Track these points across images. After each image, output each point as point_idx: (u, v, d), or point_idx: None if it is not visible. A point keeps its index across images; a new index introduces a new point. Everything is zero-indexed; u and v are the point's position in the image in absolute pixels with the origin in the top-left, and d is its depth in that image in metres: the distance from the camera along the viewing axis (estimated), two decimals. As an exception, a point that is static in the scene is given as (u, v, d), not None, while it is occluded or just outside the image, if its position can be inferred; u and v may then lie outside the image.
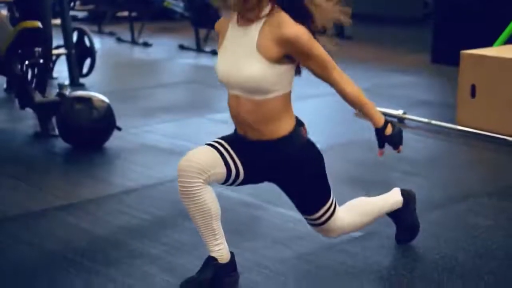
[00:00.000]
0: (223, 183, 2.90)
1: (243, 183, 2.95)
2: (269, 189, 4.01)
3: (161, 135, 5.21)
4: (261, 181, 3.01)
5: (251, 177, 2.93)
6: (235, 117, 2.90)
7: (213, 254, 2.93)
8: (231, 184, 2.92)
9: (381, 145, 2.97)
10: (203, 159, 2.79)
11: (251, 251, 3.31)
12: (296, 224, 3.61)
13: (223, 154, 2.85)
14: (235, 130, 2.97)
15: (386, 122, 2.94)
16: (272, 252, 3.32)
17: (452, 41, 7.22)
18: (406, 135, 5.20)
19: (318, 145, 4.90)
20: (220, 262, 2.92)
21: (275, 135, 2.82)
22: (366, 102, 2.88)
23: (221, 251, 2.93)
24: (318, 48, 2.75)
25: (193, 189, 2.78)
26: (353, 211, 3.14)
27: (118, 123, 5.00)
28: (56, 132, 5.04)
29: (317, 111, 5.91)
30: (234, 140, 2.90)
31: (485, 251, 3.31)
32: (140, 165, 4.56)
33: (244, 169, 2.88)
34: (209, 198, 2.83)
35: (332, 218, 3.00)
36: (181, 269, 3.12)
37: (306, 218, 3.04)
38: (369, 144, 5.08)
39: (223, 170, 2.83)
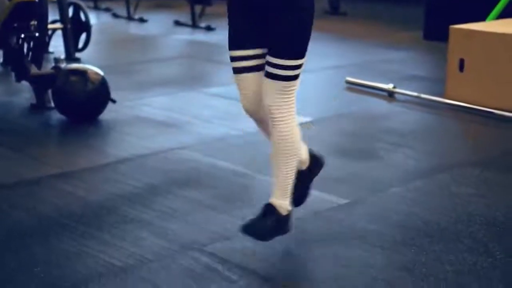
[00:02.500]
0: None
1: None
2: (260, 160, 4.12)
3: (155, 107, 5.31)
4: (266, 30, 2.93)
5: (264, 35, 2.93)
6: None
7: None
8: None
9: None
10: (257, 97, 2.96)
11: (241, 218, 3.40)
12: (284, 192, 3.72)
13: (253, 68, 2.94)
14: None
15: None
16: (261, 218, 3.42)
17: (444, 18, 7.28)
18: (396, 108, 5.38)
19: (309, 118, 5.05)
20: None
21: None
22: None
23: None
24: None
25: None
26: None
27: (114, 96, 5.09)
28: (52, 104, 5.13)
29: (308, 85, 5.99)
30: (240, 27, 2.93)
31: (466, 218, 3.42)
32: (135, 136, 4.66)
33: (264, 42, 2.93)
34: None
35: (295, 83, 2.90)
36: (172, 234, 3.23)
37: (274, 66, 2.87)
38: (358, 116, 5.21)
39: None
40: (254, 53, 2.94)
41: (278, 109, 2.89)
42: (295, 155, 2.98)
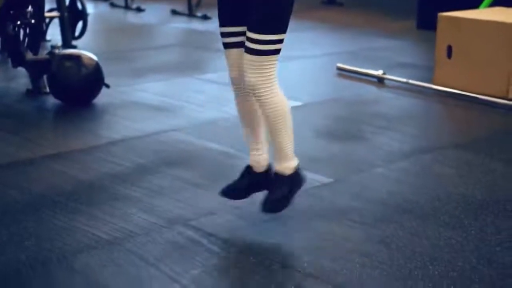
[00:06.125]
0: None
1: None
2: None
3: (150, 93, 5.42)
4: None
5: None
6: None
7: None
8: None
9: None
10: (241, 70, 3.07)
11: (227, 196, 3.52)
12: (270, 172, 3.83)
13: (238, 44, 3.08)
14: None
15: None
16: (246, 196, 3.53)
17: (436, 8, 7.37)
18: (385, 94, 5.49)
19: (300, 102, 5.15)
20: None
21: None
22: None
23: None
24: None
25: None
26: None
27: (109, 82, 5.19)
28: (47, 89, 5.24)
29: (299, 71, 6.13)
30: (226, 6, 3.11)
31: (445, 196, 3.53)
32: (128, 119, 4.76)
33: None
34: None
35: (273, 57, 3.00)
36: (159, 210, 3.34)
37: (252, 41, 2.97)
38: (347, 101, 5.31)
39: None
40: (239, 30, 3.08)
41: (259, 84, 2.99)
42: (285, 121, 3.07)
